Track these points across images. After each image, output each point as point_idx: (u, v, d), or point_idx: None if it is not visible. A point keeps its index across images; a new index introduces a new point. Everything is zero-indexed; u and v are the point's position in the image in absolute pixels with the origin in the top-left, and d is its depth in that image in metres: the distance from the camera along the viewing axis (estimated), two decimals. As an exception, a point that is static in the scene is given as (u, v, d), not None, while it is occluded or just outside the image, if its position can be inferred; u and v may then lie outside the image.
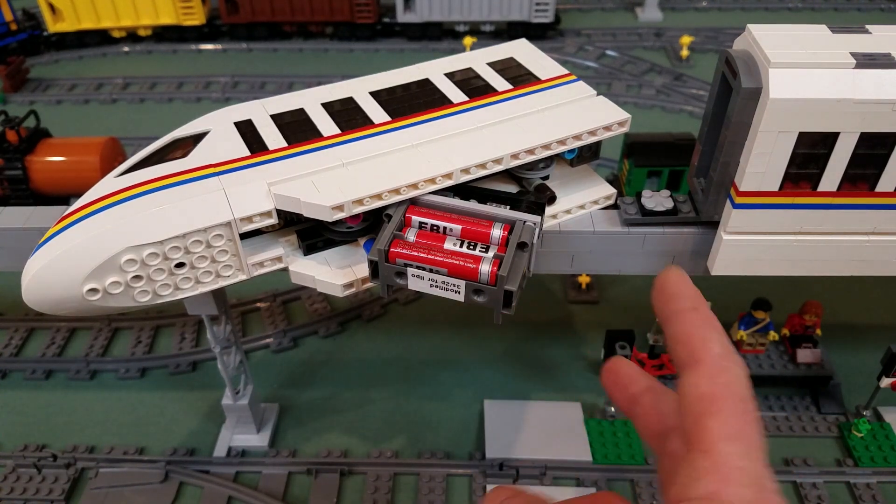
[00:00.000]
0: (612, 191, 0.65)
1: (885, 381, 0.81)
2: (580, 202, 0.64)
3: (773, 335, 0.89)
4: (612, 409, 0.88)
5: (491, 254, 0.48)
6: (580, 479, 0.81)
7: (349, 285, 0.55)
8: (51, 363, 0.97)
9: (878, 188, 0.56)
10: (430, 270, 0.48)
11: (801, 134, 0.53)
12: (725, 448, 0.29)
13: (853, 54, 0.52)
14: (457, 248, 0.48)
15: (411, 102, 0.63)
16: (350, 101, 0.63)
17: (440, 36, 1.91)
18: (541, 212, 0.53)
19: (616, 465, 0.82)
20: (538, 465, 0.82)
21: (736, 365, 0.31)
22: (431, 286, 0.49)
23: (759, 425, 0.30)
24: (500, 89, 0.64)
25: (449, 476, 0.82)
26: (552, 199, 0.62)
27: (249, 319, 1.06)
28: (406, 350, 0.99)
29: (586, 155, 0.63)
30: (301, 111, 0.62)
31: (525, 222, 0.50)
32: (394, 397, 0.92)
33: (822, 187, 0.57)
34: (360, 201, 0.51)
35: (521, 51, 0.71)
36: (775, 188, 0.57)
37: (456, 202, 0.52)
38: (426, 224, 0.51)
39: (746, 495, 0.27)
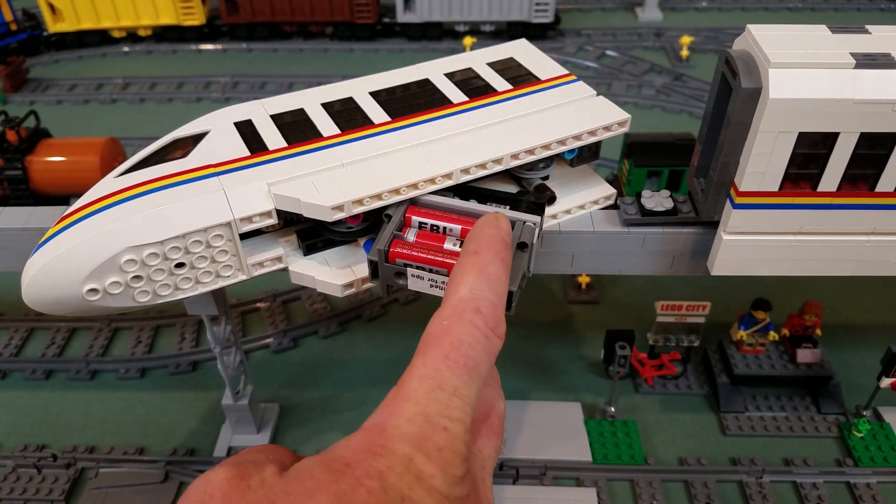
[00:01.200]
0: (611, 191, 0.65)
1: (885, 381, 0.81)
2: (580, 202, 0.64)
3: (773, 335, 0.89)
4: (612, 409, 0.88)
5: (491, 254, 0.48)
6: (580, 479, 0.81)
7: (349, 285, 0.55)
8: (51, 363, 0.97)
9: (878, 188, 0.56)
10: (430, 271, 0.48)
11: (800, 134, 0.53)
12: (414, 385, 0.30)
13: (853, 54, 0.52)
14: (457, 249, 0.48)
15: (411, 102, 0.63)
16: (350, 101, 0.63)
17: (440, 36, 1.91)
18: (541, 212, 0.53)
19: (616, 465, 0.82)
20: (538, 465, 0.82)
21: (471, 308, 0.32)
22: (431, 286, 0.49)
23: (468, 371, 0.31)
24: (499, 89, 0.64)
25: (449, 476, 0.82)
26: (552, 199, 0.62)
27: (249, 319, 1.06)
28: (406, 350, 0.99)
29: (586, 155, 0.63)
30: (301, 111, 0.62)
31: (525, 222, 0.50)
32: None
33: (821, 187, 0.57)
34: (359, 201, 0.51)
35: (521, 51, 0.71)
36: (775, 188, 0.57)
37: (456, 202, 0.52)
38: (426, 224, 0.51)
39: (407, 429, 0.28)
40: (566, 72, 0.67)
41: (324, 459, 0.28)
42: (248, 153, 0.56)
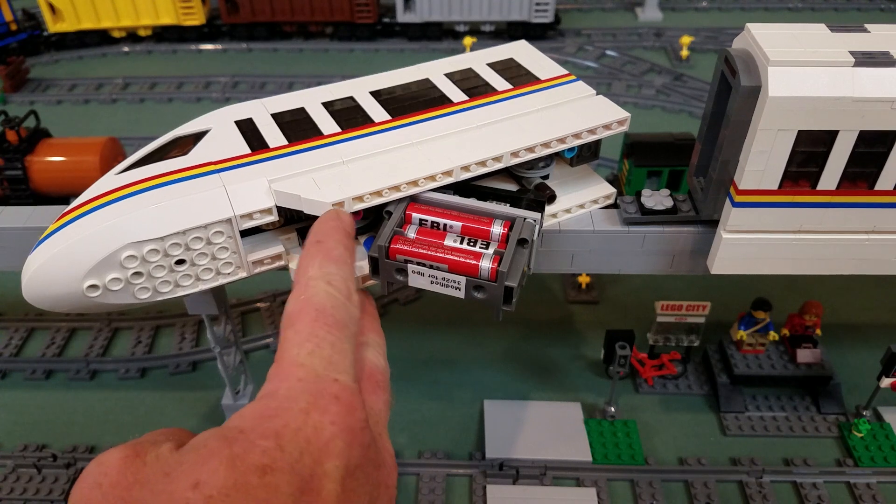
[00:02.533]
0: (611, 190, 0.65)
1: (885, 381, 0.81)
2: (580, 201, 0.64)
3: (773, 335, 0.89)
4: (612, 409, 0.88)
5: (491, 250, 0.48)
6: (580, 479, 0.81)
7: (349, 283, 0.55)
8: (51, 363, 0.97)
9: (878, 186, 0.56)
10: (431, 267, 0.48)
11: (800, 132, 0.53)
12: (294, 352, 0.31)
13: (852, 53, 0.52)
14: (457, 245, 0.48)
15: (411, 102, 0.63)
16: (350, 100, 0.63)
17: (440, 36, 1.92)
18: (541, 209, 0.53)
19: (616, 465, 0.82)
20: (538, 465, 0.82)
21: (323, 282, 0.34)
22: (432, 282, 0.49)
23: (339, 329, 0.32)
24: (499, 89, 0.64)
25: (449, 476, 0.82)
26: (552, 197, 0.62)
27: (249, 319, 1.06)
28: (406, 350, 0.99)
29: (586, 155, 0.63)
30: (301, 110, 0.62)
31: (525, 219, 0.50)
32: (393, 397, 0.92)
33: (821, 186, 0.57)
34: (360, 198, 0.51)
35: (521, 52, 0.71)
36: (775, 187, 0.57)
37: (456, 199, 0.52)
38: (426, 221, 0.51)
39: (300, 388, 0.29)
40: (566, 72, 0.67)
41: (218, 430, 0.28)
42: (248, 151, 0.56)
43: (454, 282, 0.48)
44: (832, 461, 0.83)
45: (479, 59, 0.70)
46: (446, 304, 1.03)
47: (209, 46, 1.92)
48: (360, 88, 0.65)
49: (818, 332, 0.90)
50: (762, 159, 0.55)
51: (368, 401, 0.36)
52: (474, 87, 0.65)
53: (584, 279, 1.07)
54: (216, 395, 0.91)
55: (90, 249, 0.49)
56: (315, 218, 0.54)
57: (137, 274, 0.50)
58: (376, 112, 0.61)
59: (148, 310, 1.06)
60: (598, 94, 0.64)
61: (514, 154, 0.56)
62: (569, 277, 1.09)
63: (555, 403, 0.90)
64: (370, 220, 0.56)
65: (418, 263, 0.48)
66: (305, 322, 0.32)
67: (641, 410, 0.90)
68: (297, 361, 0.30)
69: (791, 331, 0.91)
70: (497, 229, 0.49)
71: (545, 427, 0.86)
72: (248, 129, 0.59)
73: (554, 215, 0.63)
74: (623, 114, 0.61)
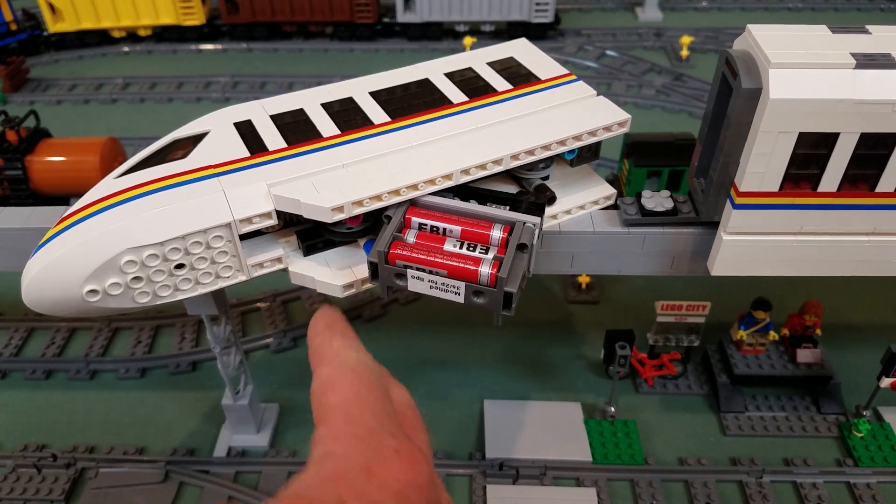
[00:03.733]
0: (612, 191, 0.65)
1: (885, 381, 0.81)
2: (580, 202, 0.64)
3: (773, 335, 0.89)
4: (612, 409, 0.88)
5: (491, 255, 0.48)
6: (580, 479, 0.81)
7: (349, 286, 0.55)
8: (51, 363, 0.97)
9: (878, 188, 0.56)
10: (430, 272, 0.48)
11: (801, 134, 0.53)
12: (340, 411, 0.30)
13: (853, 54, 0.52)
14: (456, 250, 0.48)
15: (411, 103, 0.62)
16: (350, 101, 0.63)
17: (440, 36, 1.91)
18: (540, 212, 0.53)
19: (616, 465, 0.82)
20: (538, 465, 0.82)
21: (353, 350, 0.34)
22: (431, 288, 0.49)
23: (380, 390, 0.32)
24: (499, 89, 0.64)
25: (449, 476, 0.82)
26: (552, 199, 0.62)
27: (249, 319, 1.06)
28: (406, 350, 0.99)
29: (586, 155, 0.63)
30: (301, 111, 0.61)
31: (525, 223, 0.50)
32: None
33: (822, 188, 0.57)
34: (359, 202, 0.51)
35: (521, 50, 0.71)
36: (775, 188, 0.57)
37: (456, 203, 0.52)
38: (426, 225, 0.51)
39: (358, 447, 0.28)
40: (566, 71, 0.67)
41: (277, 501, 0.27)
42: (247, 154, 0.56)
43: (454, 287, 0.48)
44: (832, 461, 0.83)
45: (479, 58, 0.70)
46: (446, 304, 1.03)
47: (209, 46, 1.92)
48: (360, 89, 0.65)
49: (818, 332, 0.90)
50: (763, 161, 0.55)
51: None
52: (474, 87, 0.65)
53: (584, 279, 1.07)
54: (216, 395, 0.91)
55: (89, 254, 0.49)
56: (315, 222, 0.54)
57: (137, 279, 0.50)
58: (376, 113, 0.61)
59: (148, 310, 1.06)
60: (598, 94, 0.64)
61: (514, 157, 0.56)
62: (569, 277, 1.09)
63: (555, 403, 0.90)
64: (370, 223, 0.56)
65: (418, 269, 0.48)
66: (348, 385, 0.31)
67: (641, 410, 0.90)
68: (350, 419, 0.29)
69: (791, 331, 0.91)
70: (497, 233, 0.49)
71: (545, 427, 0.86)
72: (246, 131, 0.59)
73: (554, 216, 0.63)
74: (624, 115, 0.61)
